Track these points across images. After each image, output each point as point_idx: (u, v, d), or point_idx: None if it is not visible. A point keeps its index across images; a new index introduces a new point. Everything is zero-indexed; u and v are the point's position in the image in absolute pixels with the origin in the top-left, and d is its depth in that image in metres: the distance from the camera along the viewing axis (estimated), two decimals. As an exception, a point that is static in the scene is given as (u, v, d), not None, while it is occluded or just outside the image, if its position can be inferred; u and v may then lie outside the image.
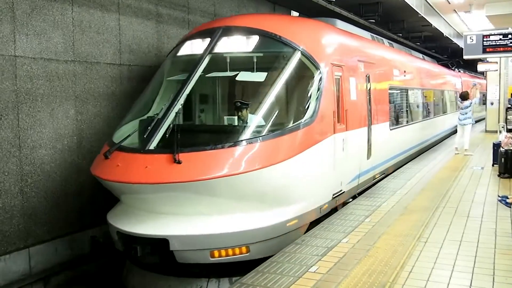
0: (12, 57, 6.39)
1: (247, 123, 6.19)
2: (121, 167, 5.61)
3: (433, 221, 6.56)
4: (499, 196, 7.82)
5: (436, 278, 4.61)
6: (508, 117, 17.10)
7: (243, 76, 6.76)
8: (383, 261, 5.04)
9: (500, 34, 12.34)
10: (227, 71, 6.74)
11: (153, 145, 5.73)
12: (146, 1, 8.58)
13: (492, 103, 19.95)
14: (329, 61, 7.06)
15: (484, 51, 12.59)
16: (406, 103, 12.29)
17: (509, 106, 16.68)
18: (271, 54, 6.83)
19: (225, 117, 6.83)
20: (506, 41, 12.22)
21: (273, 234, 5.82)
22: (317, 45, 7.12)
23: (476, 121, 18.76)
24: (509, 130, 13.50)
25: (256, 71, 6.57)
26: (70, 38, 7.20)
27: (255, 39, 6.60)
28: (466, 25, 18.56)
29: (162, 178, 5.32)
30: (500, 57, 17.24)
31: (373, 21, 14.21)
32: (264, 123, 5.97)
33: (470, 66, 26.96)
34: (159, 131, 5.82)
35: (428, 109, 15.28)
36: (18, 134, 6.54)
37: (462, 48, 13.13)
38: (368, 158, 8.62)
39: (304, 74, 6.74)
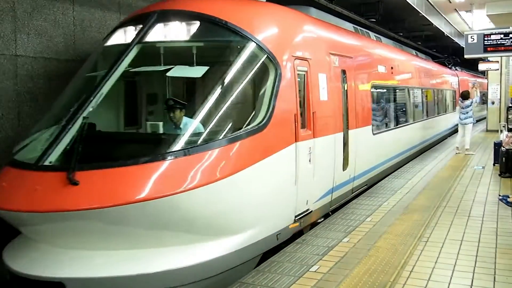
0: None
1: (180, 128, 5.21)
2: (5, 187, 4.43)
3: (434, 220, 6.55)
4: (500, 195, 7.81)
5: (437, 277, 4.60)
6: (509, 116, 17.08)
7: (177, 71, 5.56)
8: (384, 261, 5.04)
9: (501, 33, 12.31)
10: (160, 64, 5.56)
11: (49, 159, 4.49)
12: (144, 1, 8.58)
13: (493, 102, 19.95)
14: (290, 53, 5.81)
15: (485, 51, 12.56)
16: (394, 103, 11.18)
17: (510, 105, 16.66)
18: (214, 44, 5.65)
19: (148, 123, 5.67)
20: (507, 40, 12.19)
21: (206, 273, 4.65)
22: (274, 33, 5.82)
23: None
24: (510, 130, 13.46)
25: (197, 65, 5.41)
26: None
27: (195, 25, 5.39)
28: (467, 24, 18.53)
29: (51, 205, 4.14)
30: (501, 56, 17.23)
31: (374, 20, 14.20)
32: (199, 130, 4.83)
33: (469, 64, 26.51)
34: (59, 141, 4.60)
35: (421, 109, 14.11)
36: None
37: (463, 47, 13.09)
38: (344, 169, 7.43)
39: (254, 68, 5.39)
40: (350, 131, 7.63)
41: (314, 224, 6.62)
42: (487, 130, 20.07)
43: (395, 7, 14.17)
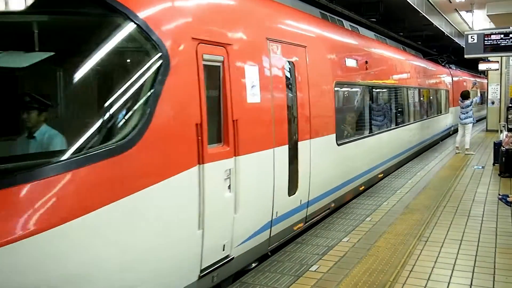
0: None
1: (30, 140, 3.51)
2: None
3: (433, 220, 6.56)
4: (499, 194, 7.82)
5: (436, 277, 4.62)
6: (509, 116, 17.10)
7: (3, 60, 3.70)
8: (383, 260, 5.05)
9: (501, 33, 12.31)
10: None
11: None
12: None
13: (493, 102, 19.96)
14: (190, 35, 4.05)
15: (485, 50, 12.57)
16: (369, 106, 9.20)
17: (510, 105, 16.66)
18: (66, 17, 3.75)
19: None
20: (508, 40, 12.20)
21: None
22: (161, 6, 3.96)
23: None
24: (510, 129, 13.48)
25: (39, 48, 3.67)
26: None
27: None
28: (467, 24, 18.53)
29: None
30: (501, 56, 17.24)
31: (374, 20, 14.20)
32: (42, 147, 3.46)
33: (469, 64, 26.05)
34: None
35: (406, 112, 12.30)
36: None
37: (463, 47, 13.10)
38: (292, 193, 5.67)
39: (125, 55, 3.85)
40: (301, 143, 5.89)
41: (242, 272, 5.03)
42: (487, 130, 20.09)
43: (395, 7, 14.16)
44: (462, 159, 12.21)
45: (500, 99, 19.55)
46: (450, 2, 15.05)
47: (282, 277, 4.68)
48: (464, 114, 13.12)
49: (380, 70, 10.11)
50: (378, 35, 12.05)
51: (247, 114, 4.74)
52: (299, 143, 5.87)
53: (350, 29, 9.39)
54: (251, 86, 4.86)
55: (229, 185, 4.37)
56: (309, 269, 4.85)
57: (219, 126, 4.41)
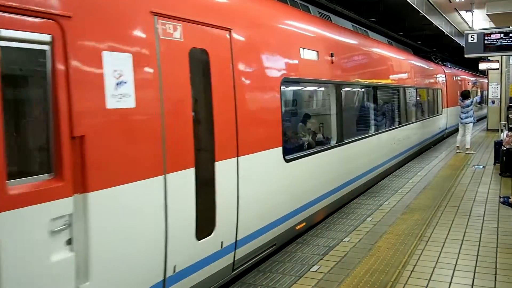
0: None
1: None
2: None
3: (434, 220, 6.55)
4: (500, 197, 7.73)
5: (438, 277, 4.60)
6: (510, 115, 17.11)
7: None
8: (385, 260, 5.04)
9: (501, 33, 12.32)
10: None
11: None
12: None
13: (493, 102, 19.96)
14: None
15: (485, 50, 12.58)
16: (338, 108, 7.27)
17: (511, 104, 16.67)
18: None
19: None
20: (507, 39, 12.20)
21: None
22: None
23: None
24: (510, 129, 13.49)
25: None
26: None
27: None
28: (467, 24, 18.54)
29: None
30: (501, 56, 17.23)
31: (374, 20, 14.20)
32: None
33: (464, 62, 25.58)
34: None
35: (387, 115, 10.86)
36: None
37: (463, 47, 13.11)
38: (203, 235, 4.15)
39: None
40: (220, 164, 4.31)
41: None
42: (487, 130, 20.07)
43: (395, 7, 14.17)
44: (462, 159, 12.20)
45: (500, 98, 19.56)
46: (450, 1, 15.06)
47: (283, 277, 4.67)
48: (465, 113, 13.12)
49: (353, 66, 8.39)
50: (358, 26, 10.44)
51: (106, 126, 3.23)
52: (218, 164, 4.27)
53: (318, 16, 7.86)
54: (116, 83, 3.31)
55: (69, 238, 2.95)
56: (310, 269, 4.84)
57: (45, 146, 2.96)
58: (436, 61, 19.55)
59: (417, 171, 10.48)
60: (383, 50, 10.75)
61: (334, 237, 5.88)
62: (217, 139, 4.33)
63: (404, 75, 12.44)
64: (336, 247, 5.51)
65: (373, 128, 9.35)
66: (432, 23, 16.42)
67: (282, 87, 5.53)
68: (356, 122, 9.18)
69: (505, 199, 7.34)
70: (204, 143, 4.26)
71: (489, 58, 18.07)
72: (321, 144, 7.10)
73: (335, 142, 7.20)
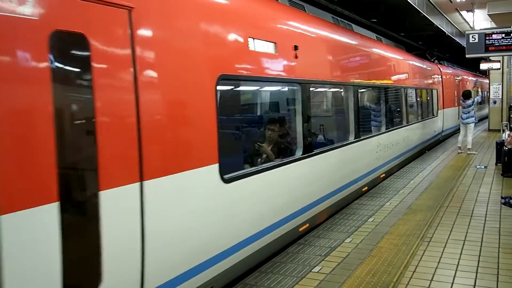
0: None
1: None
2: None
3: (436, 220, 6.55)
4: (502, 198, 7.71)
5: (440, 277, 4.60)
6: (511, 115, 17.09)
7: None
8: (386, 261, 5.03)
9: (502, 33, 12.31)
10: None
11: None
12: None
13: (495, 102, 19.94)
14: None
15: (487, 50, 12.58)
16: (304, 111, 5.96)
17: (512, 105, 16.66)
18: None
19: None
20: (509, 39, 12.20)
21: None
22: None
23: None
24: (512, 129, 13.46)
25: None
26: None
27: None
28: (468, 24, 18.53)
29: None
30: (502, 56, 17.23)
31: (375, 20, 14.20)
32: None
33: (465, 62, 25.34)
34: None
35: (369, 119, 9.75)
36: None
37: (465, 47, 13.11)
38: None
39: None
40: (108, 193, 3.10)
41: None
42: (489, 130, 20.04)
43: (396, 7, 14.17)
44: (464, 159, 12.19)
45: (502, 98, 19.55)
46: (451, 1, 15.05)
47: (285, 278, 4.67)
48: (466, 114, 13.11)
49: (327, 62, 7.05)
50: (340, 19, 9.22)
51: None
52: (103, 194, 3.05)
53: (287, 4, 6.76)
54: None
55: None
56: (312, 270, 4.83)
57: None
58: (432, 60, 18.61)
59: (419, 171, 10.47)
60: (367, 46, 9.44)
61: (336, 238, 5.88)
62: (103, 158, 3.07)
63: (393, 74, 11.12)
64: (337, 248, 5.50)
65: (352, 134, 7.85)
66: (433, 23, 16.41)
67: (219, 87, 4.26)
68: (330, 128, 8.03)
69: (507, 199, 7.34)
70: (80, 165, 3.12)
71: (490, 58, 18.06)
72: (283, 155, 5.77)
73: (300, 153, 5.89)
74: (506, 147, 9.95)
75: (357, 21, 12.19)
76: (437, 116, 15.92)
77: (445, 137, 17.79)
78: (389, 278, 4.57)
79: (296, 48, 5.81)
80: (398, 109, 11.59)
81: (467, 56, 13.03)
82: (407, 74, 12.35)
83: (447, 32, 18.89)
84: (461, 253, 5.24)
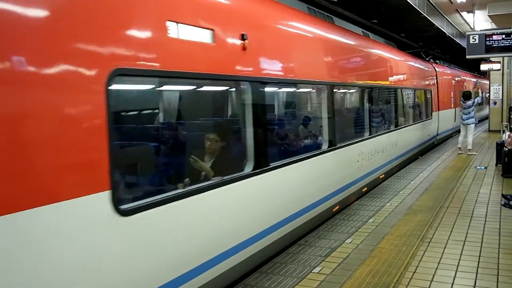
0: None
1: None
2: None
3: (436, 221, 6.55)
4: (503, 197, 7.67)
5: (440, 278, 4.60)
6: (511, 116, 17.10)
7: None
8: (387, 262, 5.04)
9: (502, 34, 12.33)
10: None
11: None
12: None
13: (495, 103, 19.95)
14: None
15: (487, 51, 12.59)
16: (256, 117, 4.87)
17: (512, 105, 16.65)
18: None
19: None
20: (509, 40, 12.21)
21: None
22: None
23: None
24: (512, 130, 13.47)
25: None
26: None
27: None
28: (468, 25, 18.53)
29: None
30: (503, 57, 17.24)
31: (376, 21, 14.21)
32: None
33: (466, 63, 24.77)
34: None
35: (349, 123, 8.61)
36: None
37: (465, 48, 13.12)
38: None
39: None
40: None
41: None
42: (489, 131, 20.04)
43: (396, 8, 14.18)
44: (464, 160, 12.19)
45: (502, 99, 19.56)
46: (451, 2, 15.06)
47: (285, 279, 4.67)
48: (466, 114, 13.10)
49: (288, 56, 5.79)
50: (318, 10, 8.03)
51: None
52: None
53: None
54: None
55: None
56: (312, 271, 4.84)
57: None
58: (427, 59, 17.72)
59: (419, 172, 10.47)
60: (346, 40, 8.12)
61: (336, 238, 5.88)
62: None
63: (380, 73, 9.94)
64: (338, 248, 5.51)
65: (326, 142, 6.71)
66: (434, 24, 16.42)
67: (114, 86, 3.13)
68: (296, 136, 6.93)
69: (506, 201, 7.34)
70: None
71: (490, 59, 18.08)
72: (225, 172, 4.46)
73: (251, 168, 4.69)
74: (506, 148, 9.95)
75: (346, 17, 11.35)
76: (431, 118, 14.94)
77: (440, 140, 16.82)
78: (390, 279, 4.58)
79: (243, 37, 4.64)
80: (386, 112, 10.52)
81: (467, 57, 13.04)
82: (396, 74, 11.27)
83: (447, 33, 18.90)
84: (461, 254, 5.24)
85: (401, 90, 11.57)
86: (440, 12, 16.58)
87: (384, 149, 9.62)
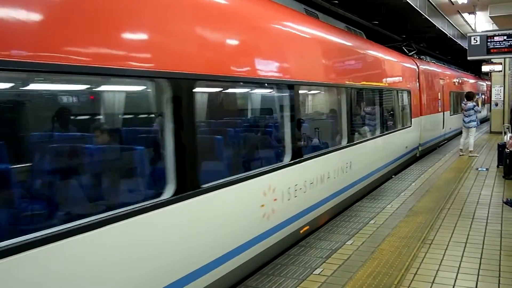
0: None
1: None
2: None
3: (438, 222, 6.54)
4: (506, 199, 7.63)
5: (441, 280, 4.59)
6: (513, 118, 17.07)
7: None
8: (388, 263, 5.03)
9: (504, 35, 12.31)
10: None
11: None
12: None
13: (496, 104, 19.92)
14: None
15: (488, 52, 12.57)
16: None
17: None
18: None
19: None
20: (511, 41, 12.20)
21: None
22: None
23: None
24: (514, 131, 13.42)
25: None
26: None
27: None
28: (470, 26, 18.52)
29: None
30: (504, 58, 17.21)
31: (377, 22, 14.20)
32: None
33: (467, 64, 23.77)
34: None
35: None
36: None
37: (466, 49, 13.10)
38: None
39: None
40: None
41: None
42: (490, 132, 20.01)
43: (397, 9, 14.17)
44: (466, 161, 12.17)
45: (503, 100, 19.53)
46: (453, 4, 15.06)
47: (286, 280, 4.67)
48: (467, 117, 13.07)
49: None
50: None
51: None
52: None
53: None
54: None
55: None
56: (313, 272, 4.83)
57: None
58: (411, 54, 14.87)
59: (420, 173, 10.45)
60: (277, 20, 5.70)
61: (337, 240, 5.87)
62: None
63: (331, 68, 7.18)
64: (339, 250, 5.50)
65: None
66: (435, 25, 16.41)
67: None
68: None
69: (508, 200, 7.32)
70: None
71: (492, 60, 18.06)
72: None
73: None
74: (507, 149, 9.94)
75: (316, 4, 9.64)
76: (410, 126, 11.99)
77: (425, 151, 13.90)
78: (390, 281, 4.57)
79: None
80: (335, 120, 7.56)
81: (468, 58, 13.02)
82: (356, 69, 8.54)
83: (448, 34, 18.89)
84: (462, 256, 5.23)
85: (358, 91, 8.50)
86: (441, 13, 16.58)
87: (324, 176, 6.51)
